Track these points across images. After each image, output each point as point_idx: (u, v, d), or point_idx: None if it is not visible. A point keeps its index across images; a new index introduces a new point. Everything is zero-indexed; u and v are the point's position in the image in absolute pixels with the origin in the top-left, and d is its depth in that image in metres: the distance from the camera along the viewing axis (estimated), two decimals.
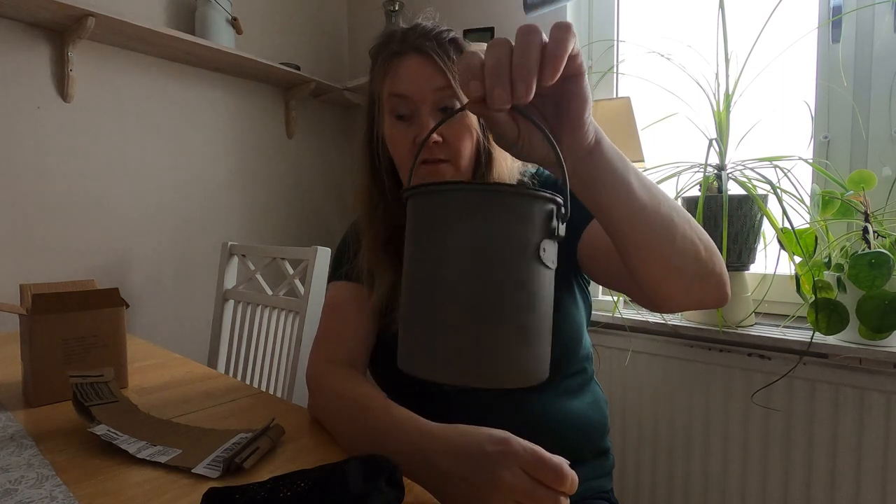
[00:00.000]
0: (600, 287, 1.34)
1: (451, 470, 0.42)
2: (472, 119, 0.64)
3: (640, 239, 0.45)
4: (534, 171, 0.72)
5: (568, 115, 0.38)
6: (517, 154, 0.42)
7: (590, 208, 0.45)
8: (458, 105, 0.62)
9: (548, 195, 0.31)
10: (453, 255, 0.30)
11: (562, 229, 0.32)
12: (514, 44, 0.33)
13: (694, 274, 0.49)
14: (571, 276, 0.70)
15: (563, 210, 0.32)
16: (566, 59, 0.33)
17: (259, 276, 1.29)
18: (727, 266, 1.04)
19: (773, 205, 1.02)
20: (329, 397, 0.59)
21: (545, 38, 0.34)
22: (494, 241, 0.29)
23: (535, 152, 0.41)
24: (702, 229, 0.51)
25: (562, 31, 0.33)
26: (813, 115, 1.15)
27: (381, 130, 0.68)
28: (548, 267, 0.31)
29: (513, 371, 0.30)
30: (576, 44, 0.34)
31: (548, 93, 0.37)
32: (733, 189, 1.06)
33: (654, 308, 0.55)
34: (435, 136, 0.61)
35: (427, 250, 0.31)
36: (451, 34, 0.66)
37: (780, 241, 0.99)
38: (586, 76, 0.37)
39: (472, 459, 0.41)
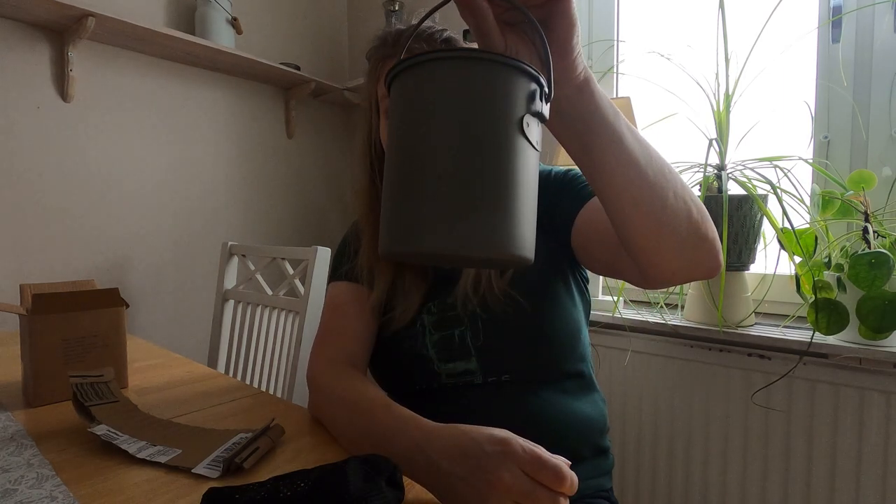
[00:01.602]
0: (600, 287, 1.34)
1: (450, 470, 0.42)
2: None
3: (632, 194, 0.44)
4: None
5: (555, 38, 0.37)
6: None
7: (579, 162, 0.44)
8: None
9: (533, 70, 0.31)
10: (437, 124, 0.29)
11: (546, 110, 0.32)
12: None
13: (686, 235, 0.48)
14: (568, 271, 0.70)
15: (545, 90, 0.32)
16: None
17: (259, 276, 1.29)
18: (727, 266, 1.05)
19: (773, 205, 1.02)
20: (329, 397, 0.60)
21: None
22: (478, 106, 0.29)
23: None
24: (693, 192, 0.49)
25: None
26: (813, 115, 1.15)
27: (377, 131, 0.69)
28: (532, 145, 0.31)
29: (497, 242, 0.29)
30: None
31: (536, 15, 0.36)
32: (733, 189, 1.06)
33: (648, 283, 0.54)
34: None
35: (410, 124, 0.31)
36: (446, 34, 0.66)
37: (780, 241, 0.99)
38: (573, 1, 0.37)
39: (471, 460, 0.41)
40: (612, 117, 0.42)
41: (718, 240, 0.51)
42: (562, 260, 0.68)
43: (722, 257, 0.53)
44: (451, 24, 0.69)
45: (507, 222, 0.29)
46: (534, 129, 0.31)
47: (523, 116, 0.30)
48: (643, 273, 0.52)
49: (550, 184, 0.68)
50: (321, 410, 0.60)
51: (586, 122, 0.41)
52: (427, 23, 0.67)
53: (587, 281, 0.74)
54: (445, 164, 0.29)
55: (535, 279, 0.66)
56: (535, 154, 0.32)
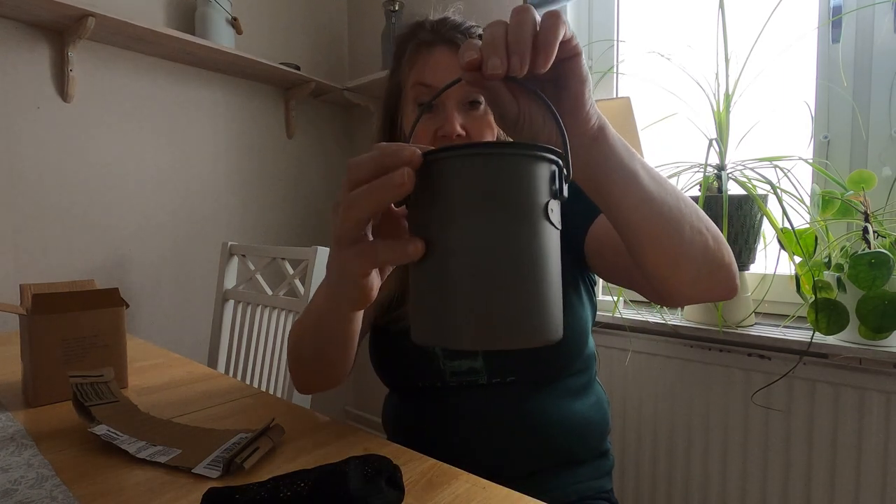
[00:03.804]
0: (600, 287, 1.34)
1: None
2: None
3: (648, 230, 0.44)
4: None
5: (567, 94, 0.38)
6: (518, 134, 0.42)
7: (596, 200, 0.45)
8: (483, 100, 0.62)
9: (551, 154, 0.31)
10: (462, 219, 0.29)
11: (565, 190, 0.32)
12: (509, 23, 0.34)
13: (703, 265, 0.48)
14: (578, 275, 0.69)
15: (564, 171, 0.32)
16: (558, 43, 0.34)
17: (259, 276, 1.29)
18: None
19: (773, 205, 1.02)
20: (296, 323, 0.60)
21: (538, 18, 0.34)
22: (504, 202, 0.29)
23: (537, 131, 0.41)
24: (709, 220, 0.50)
25: (552, 18, 0.34)
26: (813, 115, 1.15)
27: (402, 120, 0.68)
28: (556, 227, 0.31)
29: (529, 330, 0.29)
30: (568, 28, 0.35)
31: (546, 77, 0.37)
32: (733, 189, 1.06)
33: (663, 302, 0.55)
34: (458, 130, 0.61)
35: (435, 216, 0.31)
36: (481, 29, 0.66)
37: (780, 241, 0.99)
38: (583, 56, 0.37)
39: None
40: (627, 160, 0.43)
41: (735, 263, 0.52)
42: (572, 263, 0.68)
43: (738, 280, 0.53)
44: (478, 17, 0.68)
45: (541, 311, 0.30)
46: (556, 211, 0.31)
47: (548, 202, 0.30)
48: (659, 294, 0.53)
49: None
50: (292, 349, 0.61)
51: (601, 167, 0.42)
52: (461, 17, 0.67)
53: (595, 283, 0.74)
54: (481, 260, 0.29)
55: None
56: (558, 233, 0.32)
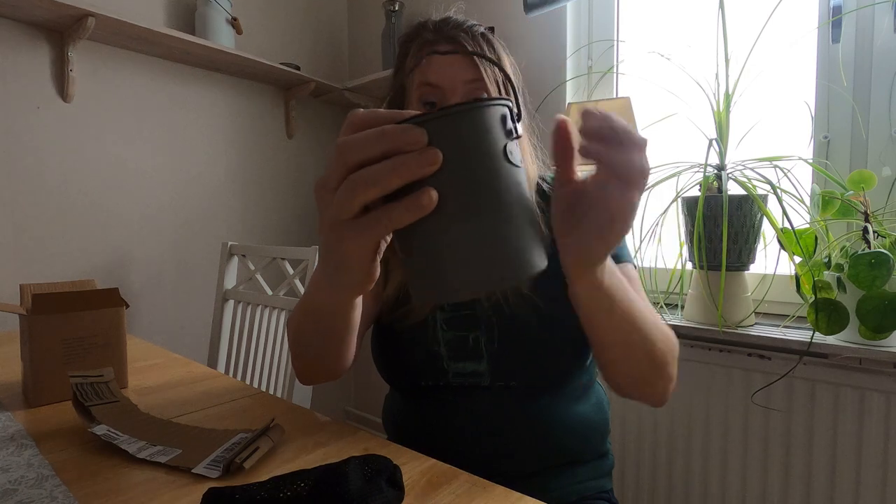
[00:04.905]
0: None
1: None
2: None
3: (612, 350, 0.52)
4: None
5: (597, 238, 0.39)
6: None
7: (579, 316, 0.50)
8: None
9: (501, 101, 0.33)
10: (440, 178, 0.31)
11: (518, 129, 0.34)
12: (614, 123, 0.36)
13: (646, 380, 0.55)
14: None
15: (514, 111, 0.35)
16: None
17: (259, 276, 1.29)
18: (728, 265, 1.05)
19: (773, 205, 1.02)
20: (293, 315, 0.59)
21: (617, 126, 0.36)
22: (472, 156, 0.31)
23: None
24: (672, 341, 0.56)
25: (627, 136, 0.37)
26: (813, 115, 1.15)
27: None
28: (517, 166, 0.34)
29: (518, 265, 0.31)
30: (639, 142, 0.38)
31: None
32: (733, 189, 1.06)
33: (602, 374, 0.61)
34: None
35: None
36: (482, 28, 0.67)
37: (780, 241, 0.99)
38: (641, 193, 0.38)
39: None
40: (619, 296, 0.46)
41: (675, 379, 0.58)
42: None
43: (670, 394, 0.59)
44: (479, 17, 0.69)
45: (522, 246, 0.32)
46: (515, 152, 0.33)
47: (505, 146, 0.32)
48: (602, 373, 0.59)
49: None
50: (291, 331, 0.60)
51: (592, 304, 0.47)
52: (462, 16, 0.68)
53: None
54: (456, 214, 0.31)
55: (558, 284, 0.66)
56: (520, 170, 0.34)
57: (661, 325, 0.54)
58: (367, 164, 0.31)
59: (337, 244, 0.35)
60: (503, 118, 0.33)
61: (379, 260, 0.38)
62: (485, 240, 0.31)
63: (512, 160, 0.33)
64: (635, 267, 0.69)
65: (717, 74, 1.10)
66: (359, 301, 0.50)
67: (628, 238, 0.77)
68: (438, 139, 0.31)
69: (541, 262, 0.33)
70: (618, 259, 0.66)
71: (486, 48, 0.65)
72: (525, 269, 0.32)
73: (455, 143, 0.31)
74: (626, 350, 0.51)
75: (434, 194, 0.30)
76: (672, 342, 0.56)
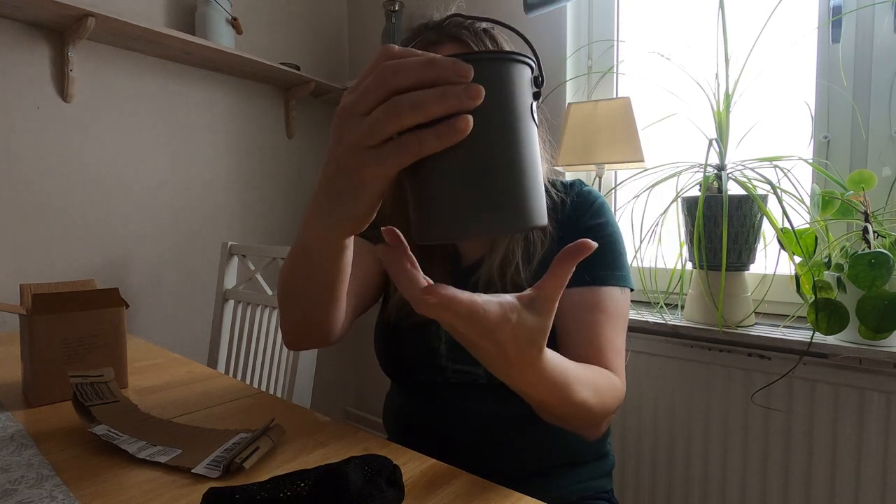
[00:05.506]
0: None
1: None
2: None
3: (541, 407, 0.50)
4: (569, 182, 0.72)
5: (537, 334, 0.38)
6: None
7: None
8: None
9: (532, 59, 0.35)
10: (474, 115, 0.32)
11: (538, 92, 0.36)
12: None
13: (572, 427, 0.54)
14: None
15: (540, 77, 0.36)
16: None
17: (259, 276, 1.29)
18: (728, 265, 1.05)
19: (773, 205, 1.02)
20: (284, 265, 0.55)
21: None
22: (506, 101, 0.33)
23: None
24: (611, 401, 0.54)
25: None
26: (813, 115, 1.15)
27: None
28: (538, 125, 0.35)
29: (526, 215, 0.32)
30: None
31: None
32: (733, 189, 1.06)
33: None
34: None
35: None
36: (484, 25, 0.66)
37: (780, 241, 0.99)
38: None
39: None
40: (556, 380, 0.45)
41: (604, 426, 0.56)
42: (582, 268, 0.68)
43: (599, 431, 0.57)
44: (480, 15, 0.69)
45: (538, 195, 0.33)
46: (536, 112, 0.35)
47: (532, 103, 0.34)
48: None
49: (576, 216, 0.68)
50: (280, 284, 0.57)
51: (532, 382, 0.44)
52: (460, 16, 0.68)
53: None
54: (480, 152, 0.32)
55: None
56: (537, 131, 0.36)
57: (601, 385, 0.53)
58: (411, 91, 0.30)
59: (354, 171, 0.33)
60: (534, 77, 0.35)
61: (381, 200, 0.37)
62: (504, 183, 0.32)
63: (534, 117, 0.35)
64: (624, 288, 0.65)
65: (717, 74, 1.10)
66: (349, 251, 0.47)
67: (628, 241, 0.76)
68: (479, 79, 0.31)
69: (544, 217, 0.34)
70: (601, 281, 0.63)
71: (489, 45, 0.65)
72: (533, 218, 0.33)
73: (495, 86, 0.32)
74: (550, 408, 0.49)
75: (471, 120, 0.30)
76: (610, 402, 0.54)
